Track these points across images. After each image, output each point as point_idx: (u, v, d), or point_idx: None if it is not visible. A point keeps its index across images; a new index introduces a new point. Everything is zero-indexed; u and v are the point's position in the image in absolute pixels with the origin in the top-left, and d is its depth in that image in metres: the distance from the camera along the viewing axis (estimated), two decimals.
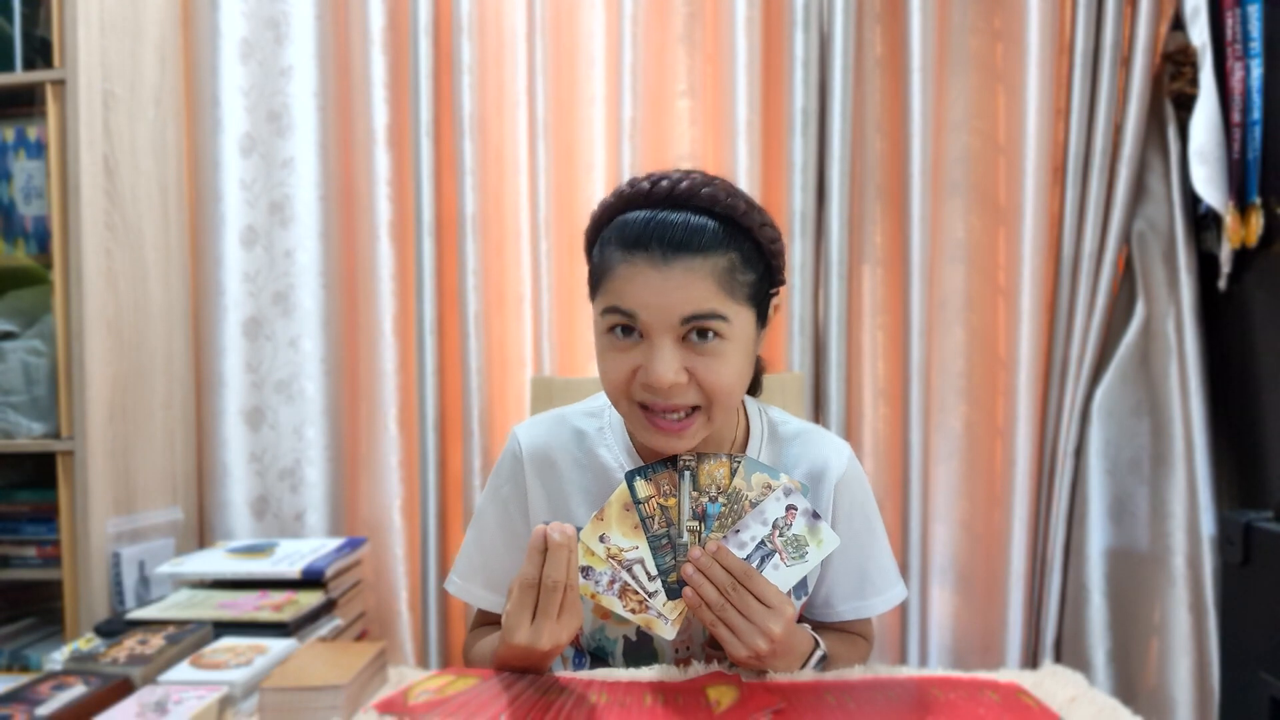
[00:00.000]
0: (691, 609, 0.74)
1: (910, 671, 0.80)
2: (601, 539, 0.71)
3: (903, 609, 1.68)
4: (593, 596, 0.69)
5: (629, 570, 0.72)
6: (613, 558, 0.72)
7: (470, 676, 0.79)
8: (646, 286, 0.75)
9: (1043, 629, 1.65)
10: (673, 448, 0.80)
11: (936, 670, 0.83)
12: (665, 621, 0.73)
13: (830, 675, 0.81)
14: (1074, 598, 1.63)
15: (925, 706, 0.71)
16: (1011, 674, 0.80)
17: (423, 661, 1.75)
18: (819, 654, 0.83)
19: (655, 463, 0.79)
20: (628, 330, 0.77)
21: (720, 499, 0.77)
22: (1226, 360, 1.56)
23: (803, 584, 0.88)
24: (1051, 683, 0.78)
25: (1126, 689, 1.59)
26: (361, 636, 1.48)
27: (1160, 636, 1.54)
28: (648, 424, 0.79)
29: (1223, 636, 1.34)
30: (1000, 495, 1.66)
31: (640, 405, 0.79)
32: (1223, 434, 1.57)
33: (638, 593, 0.72)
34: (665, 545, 0.74)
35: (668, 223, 0.75)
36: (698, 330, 0.76)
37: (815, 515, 0.78)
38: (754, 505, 0.77)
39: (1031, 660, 1.66)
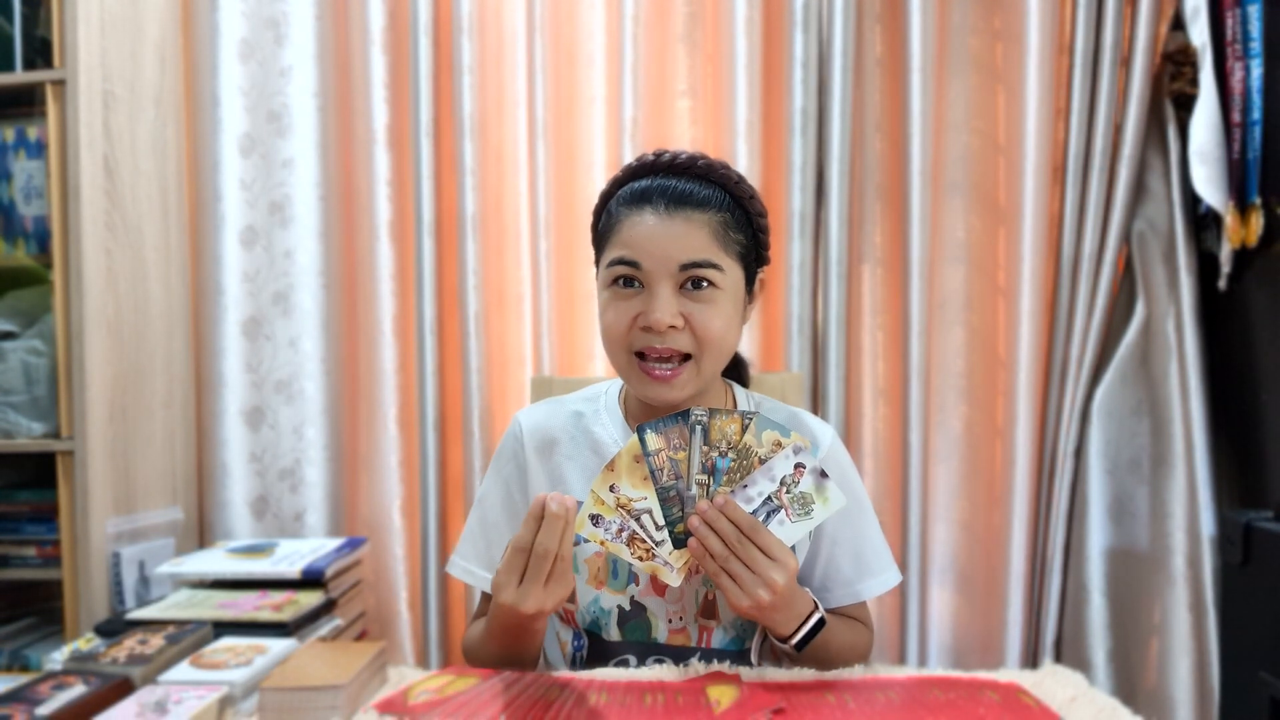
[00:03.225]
0: (696, 559, 0.76)
1: (910, 671, 0.80)
2: (611, 489, 0.75)
3: (902, 609, 1.68)
4: (601, 543, 0.73)
5: (637, 520, 0.74)
6: (621, 507, 0.75)
7: (470, 676, 0.79)
8: (650, 236, 0.83)
9: (1043, 629, 1.65)
10: (664, 397, 0.85)
11: (936, 670, 0.83)
12: (671, 569, 0.75)
13: (830, 675, 0.81)
14: (1074, 598, 1.63)
15: (925, 706, 0.71)
16: (1011, 674, 0.80)
17: (423, 661, 1.75)
18: (816, 617, 0.83)
19: (668, 416, 0.80)
20: (630, 281, 0.85)
21: (730, 454, 0.79)
22: (1226, 360, 1.56)
23: (793, 550, 0.92)
24: (1051, 683, 0.78)
25: (1126, 689, 1.59)
26: (361, 636, 1.48)
27: (1160, 636, 1.54)
28: (643, 373, 0.85)
29: (1223, 636, 1.34)
30: (1000, 495, 1.67)
31: (637, 355, 0.85)
32: (1223, 434, 1.57)
33: (645, 541, 0.74)
34: (673, 497, 0.77)
35: (670, 182, 0.85)
36: (694, 279, 0.83)
37: (823, 474, 0.80)
38: (763, 462, 0.79)
39: (1031, 660, 1.66)
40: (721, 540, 0.77)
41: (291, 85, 1.75)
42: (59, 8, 1.45)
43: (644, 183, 0.87)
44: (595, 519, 0.72)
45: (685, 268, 0.83)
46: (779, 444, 0.79)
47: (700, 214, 0.84)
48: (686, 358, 0.85)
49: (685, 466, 0.78)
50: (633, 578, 0.88)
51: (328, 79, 1.77)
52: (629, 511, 0.75)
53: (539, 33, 1.68)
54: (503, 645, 0.83)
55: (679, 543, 0.76)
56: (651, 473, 0.76)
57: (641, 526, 0.75)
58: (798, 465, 0.80)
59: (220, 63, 1.73)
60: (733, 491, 0.79)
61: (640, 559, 0.74)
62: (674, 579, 0.75)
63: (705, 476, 0.78)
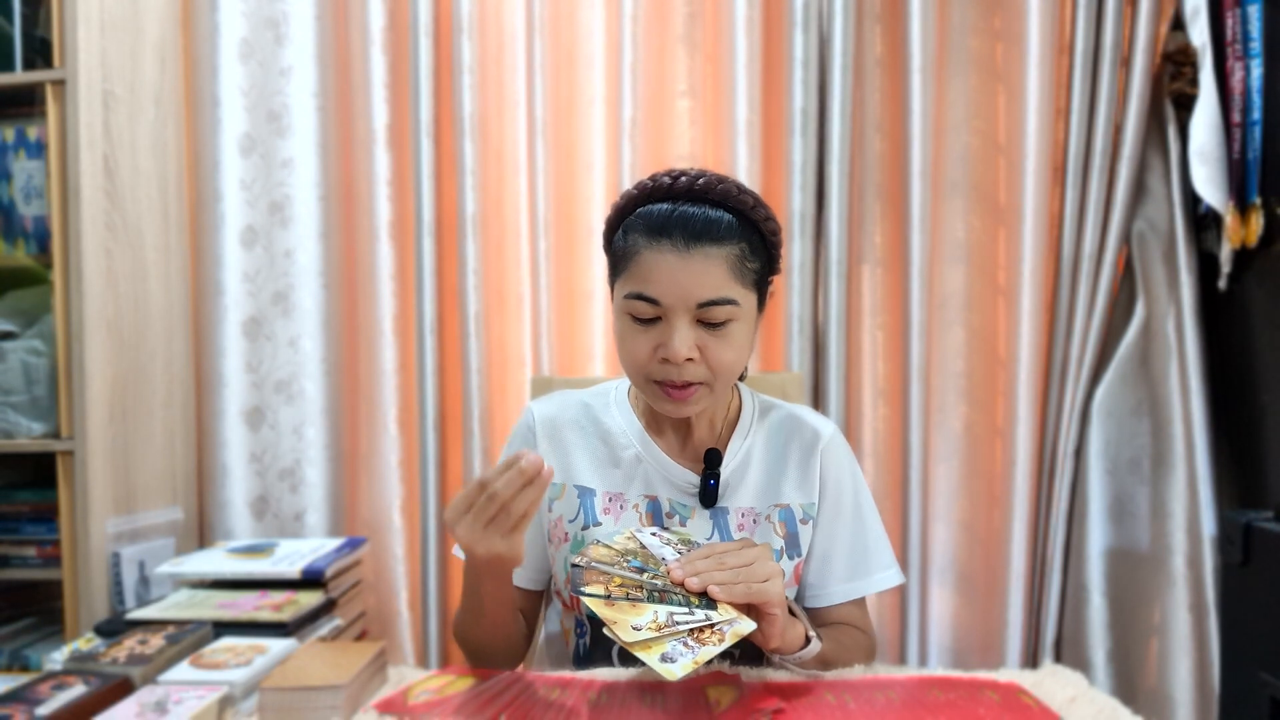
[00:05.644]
0: (726, 597, 0.76)
1: (910, 671, 0.80)
2: (637, 631, 0.72)
3: (903, 609, 1.68)
4: (696, 665, 0.70)
5: (675, 625, 0.73)
6: (662, 632, 0.72)
7: (470, 676, 0.79)
8: (668, 273, 0.84)
9: (1043, 629, 1.65)
10: (681, 413, 0.90)
11: (936, 670, 0.83)
12: (735, 622, 0.74)
13: (830, 675, 0.81)
14: (1074, 598, 1.63)
15: (925, 706, 0.71)
16: (1011, 674, 0.80)
17: (423, 661, 1.75)
18: (812, 638, 0.83)
19: (572, 573, 0.81)
20: (649, 314, 0.86)
21: (627, 558, 0.82)
22: (1226, 360, 1.56)
23: (796, 545, 0.95)
24: (1051, 683, 0.78)
25: (1126, 689, 1.59)
26: (361, 636, 1.48)
27: (1160, 636, 1.54)
28: (661, 394, 0.88)
29: (1223, 636, 1.34)
30: (1000, 495, 1.67)
31: (655, 381, 0.88)
32: (1223, 434, 1.57)
33: (699, 629, 0.73)
34: (661, 595, 0.77)
35: (688, 214, 0.85)
36: (711, 316, 0.85)
37: (663, 526, 0.92)
38: (643, 546, 0.84)
39: (1031, 660, 1.66)
40: (716, 569, 0.78)
41: (291, 85, 1.75)
42: (59, 8, 1.45)
43: (662, 208, 0.86)
44: (666, 659, 0.70)
45: (703, 305, 0.84)
46: (628, 536, 0.86)
47: (718, 248, 0.84)
48: (701, 383, 0.88)
49: (630, 580, 0.79)
50: None
51: (328, 79, 1.77)
52: (665, 629, 0.73)
53: (539, 33, 1.68)
54: (466, 593, 0.87)
55: (708, 605, 0.76)
56: (629, 599, 0.77)
57: (682, 623, 0.74)
58: (652, 533, 0.87)
59: (220, 63, 1.73)
60: (664, 566, 0.81)
61: (720, 641, 0.72)
62: (747, 624, 0.75)
63: (646, 575, 0.80)
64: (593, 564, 0.80)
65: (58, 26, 1.45)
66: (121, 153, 1.55)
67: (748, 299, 0.87)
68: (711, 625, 0.73)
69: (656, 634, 0.72)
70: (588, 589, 0.77)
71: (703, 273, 0.83)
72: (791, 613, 0.83)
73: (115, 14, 1.54)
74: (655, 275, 0.84)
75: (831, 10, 1.64)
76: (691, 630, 0.72)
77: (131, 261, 1.58)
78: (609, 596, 0.76)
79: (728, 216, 0.86)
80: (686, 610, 0.75)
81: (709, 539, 0.93)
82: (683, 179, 0.87)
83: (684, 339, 0.84)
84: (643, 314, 0.86)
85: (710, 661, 0.75)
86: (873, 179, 1.69)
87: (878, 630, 1.72)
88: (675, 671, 0.69)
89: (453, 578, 1.76)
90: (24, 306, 1.55)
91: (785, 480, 0.96)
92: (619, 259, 0.89)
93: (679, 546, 0.85)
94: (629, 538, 0.85)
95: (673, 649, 0.71)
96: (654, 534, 0.87)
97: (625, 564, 0.81)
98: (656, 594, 0.77)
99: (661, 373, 0.87)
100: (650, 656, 0.70)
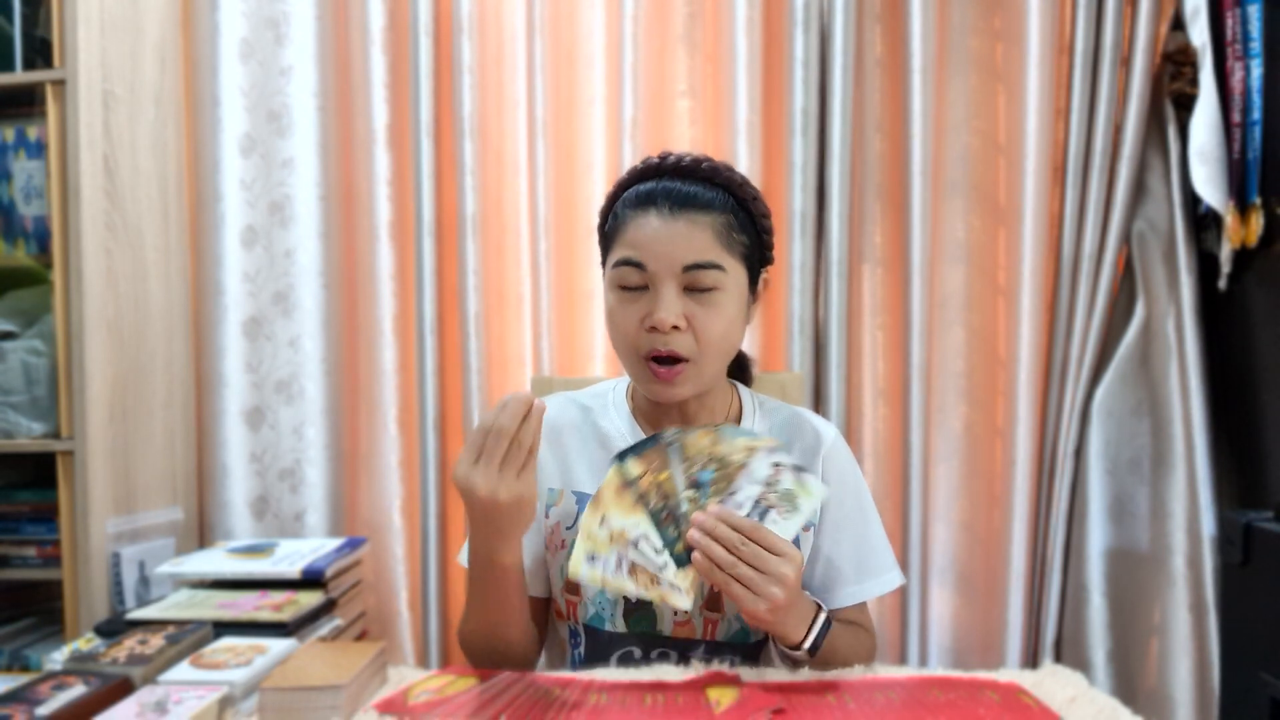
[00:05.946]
0: (703, 573, 0.74)
1: (910, 671, 0.80)
2: (601, 522, 0.71)
3: (903, 609, 1.68)
4: (604, 583, 0.70)
5: (635, 546, 0.72)
6: (615, 539, 0.72)
7: (470, 676, 0.79)
8: (654, 237, 0.84)
9: (1043, 629, 1.65)
10: (668, 395, 0.88)
11: (936, 670, 0.83)
12: (679, 591, 0.72)
13: (830, 675, 0.81)
14: (1074, 598, 1.63)
15: (925, 706, 0.71)
16: (1011, 674, 0.80)
17: (423, 661, 1.75)
18: (823, 617, 0.83)
19: (643, 441, 0.81)
20: (636, 281, 0.86)
21: (711, 465, 0.79)
22: (1226, 360, 1.56)
23: (795, 545, 0.92)
24: (1051, 683, 0.78)
25: (1126, 689, 1.59)
26: (361, 636, 1.48)
27: (1160, 636, 1.54)
28: (650, 374, 0.87)
29: (1223, 636, 1.34)
30: (1000, 495, 1.67)
31: (644, 358, 0.86)
32: (1223, 434, 1.57)
33: (647, 569, 0.72)
34: (666, 518, 0.75)
35: (674, 185, 0.87)
36: (698, 280, 0.84)
37: (799, 468, 0.81)
38: (742, 467, 0.79)
39: (1031, 660, 1.66)
40: (724, 547, 0.74)
41: (291, 85, 1.75)
42: (59, 8, 1.45)
43: (649, 185, 0.88)
44: (591, 558, 0.69)
45: (689, 269, 0.84)
46: (751, 448, 0.80)
47: (704, 215, 0.85)
48: (687, 360, 0.86)
49: (671, 485, 0.77)
50: None
51: (328, 79, 1.77)
52: (624, 541, 0.72)
53: (539, 33, 1.68)
54: (478, 586, 0.84)
55: (681, 561, 0.74)
56: (640, 497, 0.75)
57: (640, 554, 0.72)
58: (775, 464, 0.80)
59: (220, 63, 1.73)
60: (722, 500, 0.78)
61: (646, 588, 0.71)
62: (684, 601, 0.72)
63: (693, 491, 0.77)
64: (673, 447, 0.78)
65: (58, 26, 1.45)
66: (121, 153, 1.55)
67: (736, 270, 0.87)
68: (656, 578, 0.72)
69: (608, 540, 0.71)
70: (630, 461, 0.76)
71: (688, 236, 0.84)
72: (823, 620, 0.82)
73: (115, 14, 1.54)
74: (641, 240, 0.85)
75: (832, 10, 1.64)
76: (635, 564, 0.72)
77: (131, 261, 1.58)
78: (633, 483, 0.75)
79: (714, 190, 0.87)
80: (659, 549, 0.73)
81: None
82: (670, 158, 0.89)
83: (670, 305, 0.84)
84: (630, 281, 0.86)
85: (617, 600, 0.77)
86: (873, 179, 1.69)
87: (878, 630, 1.72)
88: (572, 570, 0.70)
89: (452, 577, 1.76)
90: (24, 306, 1.55)
91: None
92: (608, 238, 0.91)
93: (767, 496, 0.79)
94: (748, 449, 0.79)
95: (603, 560, 0.71)
96: (773, 466, 0.79)
97: (693, 471, 0.77)
98: (665, 514, 0.75)
99: (649, 343, 0.85)
100: (580, 550, 0.71)
